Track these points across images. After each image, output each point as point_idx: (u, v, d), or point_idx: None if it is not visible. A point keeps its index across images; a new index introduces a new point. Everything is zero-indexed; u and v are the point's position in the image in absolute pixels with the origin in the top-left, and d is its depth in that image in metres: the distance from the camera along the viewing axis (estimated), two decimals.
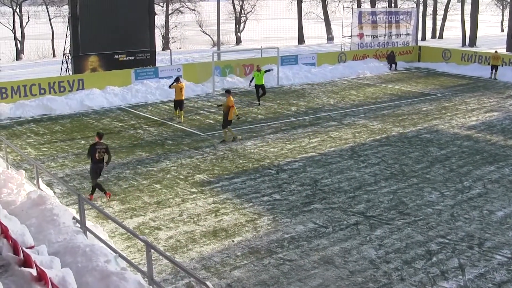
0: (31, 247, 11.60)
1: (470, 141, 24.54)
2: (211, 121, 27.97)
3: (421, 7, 64.79)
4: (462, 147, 23.64)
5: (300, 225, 16.06)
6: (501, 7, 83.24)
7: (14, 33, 61.31)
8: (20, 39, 61.26)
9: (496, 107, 31.55)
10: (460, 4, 74.20)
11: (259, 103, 32.07)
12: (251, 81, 33.06)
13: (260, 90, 32.17)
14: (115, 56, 34.76)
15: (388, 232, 15.64)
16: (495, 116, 29.39)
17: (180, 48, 63.55)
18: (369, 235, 15.43)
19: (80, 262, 11.79)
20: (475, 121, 28.19)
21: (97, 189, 17.97)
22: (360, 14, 49.15)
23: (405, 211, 17.03)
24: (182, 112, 28.51)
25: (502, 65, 41.59)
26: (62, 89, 31.66)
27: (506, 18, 72.37)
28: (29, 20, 64.68)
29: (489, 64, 41.89)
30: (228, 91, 25.14)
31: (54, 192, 18.09)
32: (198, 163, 21.57)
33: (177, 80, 28.86)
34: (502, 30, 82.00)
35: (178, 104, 28.39)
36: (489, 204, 17.58)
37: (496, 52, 42.09)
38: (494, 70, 41.16)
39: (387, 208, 17.25)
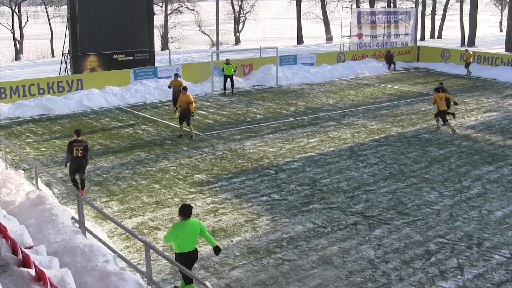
0: (30, 247, 11.60)
1: (469, 141, 24.56)
2: (210, 121, 27.96)
3: (420, 7, 64.79)
4: (461, 147, 23.66)
5: (299, 225, 16.07)
6: (499, 7, 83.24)
7: (13, 33, 61.35)
8: (19, 39, 61.30)
9: (495, 107, 31.56)
10: (459, 4, 74.27)
11: (230, 92, 35.31)
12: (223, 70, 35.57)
13: (229, 81, 35.05)
14: (114, 56, 34.75)
15: (387, 232, 15.65)
16: (494, 116, 29.40)
17: (179, 48, 63.58)
18: (368, 235, 15.44)
19: (79, 262, 11.79)
20: (474, 121, 28.20)
21: (78, 184, 17.97)
22: (359, 14, 49.17)
23: (404, 211, 17.03)
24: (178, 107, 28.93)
25: (472, 61, 43.19)
26: (61, 89, 31.67)
27: (504, 18, 72.45)
28: (28, 20, 64.72)
29: (465, 61, 43.16)
30: (185, 89, 25.66)
31: (53, 192, 18.10)
32: (197, 163, 21.58)
33: (176, 75, 29.65)
34: (501, 30, 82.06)
35: (176, 99, 28.83)
36: (488, 204, 17.58)
37: (467, 50, 43.69)
38: (468, 68, 42.79)
39: (386, 208, 17.26)
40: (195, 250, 11.69)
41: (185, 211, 11.52)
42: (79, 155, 17.63)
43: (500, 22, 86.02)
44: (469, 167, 21.18)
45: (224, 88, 35.40)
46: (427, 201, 17.85)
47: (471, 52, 43.27)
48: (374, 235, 15.46)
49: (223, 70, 35.37)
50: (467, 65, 42.78)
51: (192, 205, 11.93)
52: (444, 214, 16.84)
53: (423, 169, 20.93)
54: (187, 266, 11.18)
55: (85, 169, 18.16)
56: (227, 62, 35.22)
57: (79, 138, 17.90)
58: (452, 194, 18.45)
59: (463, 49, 45.86)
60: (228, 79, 34.97)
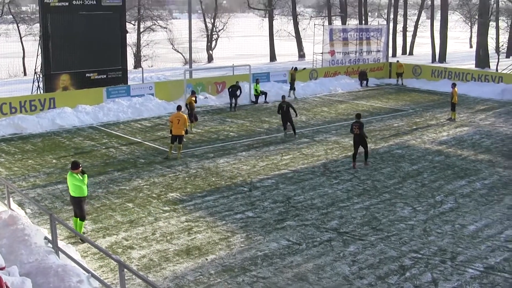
0: (2, 268, 11.47)
1: (441, 156, 24.79)
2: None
3: (391, 24, 65.43)
4: (433, 162, 23.87)
5: (273, 242, 16.06)
6: (469, 24, 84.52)
7: None
8: None
9: (467, 122, 31.92)
10: (429, 21, 75.18)
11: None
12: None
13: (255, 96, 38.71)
14: (87, 75, 34.60)
15: (361, 248, 15.71)
16: (466, 131, 29.73)
17: (152, 66, 63.49)
18: (343, 251, 15.48)
19: (52, 283, 11.68)
20: (446, 136, 28.49)
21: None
22: (331, 31, 49.50)
23: (378, 227, 17.12)
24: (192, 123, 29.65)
25: (403, 72, 47.22)
26: (33, 108, 31.42)
27: (474, 35, 73.41)
28: None
29: (396, 72, 47.34)
30: (179, 108, 25.40)
31: (26, 212, 17.91)
32: (171, 181, 21.51)
33: (192, 93, 30.94)
34: (471, 46, 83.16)
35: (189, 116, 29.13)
36: (461, 218, 17.74)
37: (398, 61, 48.79)
38: (399, 78, 47.15)
39: (360, 224, 17.33)
40: (76, 198, 16.10)
41: (71, 164, 16.23)
42: (357, 132, 22.95)
43: (470, 39, 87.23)
44: (442, 182, 21.37)
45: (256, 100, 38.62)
46: (400, 216, 17.96)
47: (401, 63, 47.91)
48: (349, 251, 15.51)
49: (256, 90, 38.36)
50: (398, 75, 46.82)
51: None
52: (417, 229, 16.96)
53: (396, 184, 21.07)
54: (74, 205, 16.44)
55: (366, 143, 23.44)
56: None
57: (359, 120, 23.15)
58: (426, 209, 18.58)
59: (395, 60, 50.76)
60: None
